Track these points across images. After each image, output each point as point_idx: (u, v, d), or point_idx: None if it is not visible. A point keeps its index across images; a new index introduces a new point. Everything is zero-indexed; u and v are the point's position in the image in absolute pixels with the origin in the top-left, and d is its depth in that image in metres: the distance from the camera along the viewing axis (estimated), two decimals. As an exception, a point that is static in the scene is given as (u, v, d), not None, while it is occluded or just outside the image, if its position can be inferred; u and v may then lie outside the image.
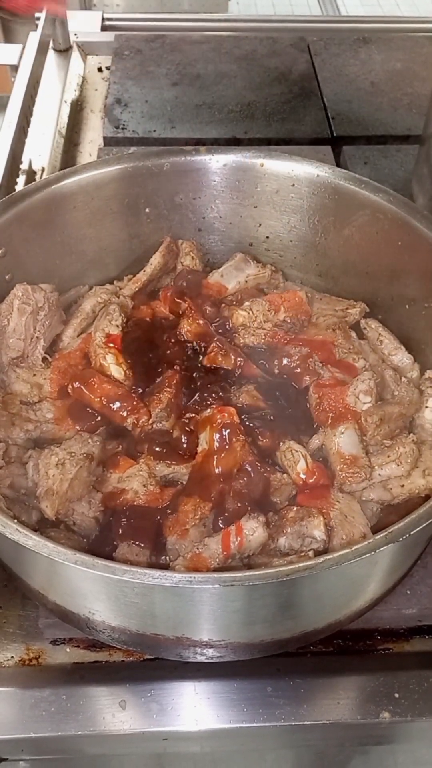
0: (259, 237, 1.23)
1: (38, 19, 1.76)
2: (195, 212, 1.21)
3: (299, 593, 0.80)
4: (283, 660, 0.92)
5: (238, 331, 1.13)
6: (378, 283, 1.15)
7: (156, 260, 1.18)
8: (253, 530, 0.87)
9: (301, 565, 0.74)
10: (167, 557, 0.91)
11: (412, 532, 0.76)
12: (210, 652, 0.86)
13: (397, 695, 0.90)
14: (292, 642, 0.89)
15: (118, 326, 1.09)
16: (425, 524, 0.77)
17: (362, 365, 1.08)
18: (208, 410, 1.01)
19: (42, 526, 0.93)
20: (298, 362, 1.08)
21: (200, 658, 0.88)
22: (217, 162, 1.16)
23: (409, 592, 0.97)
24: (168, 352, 1.10)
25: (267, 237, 1.22)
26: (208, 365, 1.08)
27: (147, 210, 1.19)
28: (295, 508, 0.92)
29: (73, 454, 0.96)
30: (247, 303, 1.14)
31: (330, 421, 1.01)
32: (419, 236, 1.05)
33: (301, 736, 0.91)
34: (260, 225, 1.21)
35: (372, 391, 1.02)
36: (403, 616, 0.97)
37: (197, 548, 0.88)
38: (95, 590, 0.80)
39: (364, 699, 0.90)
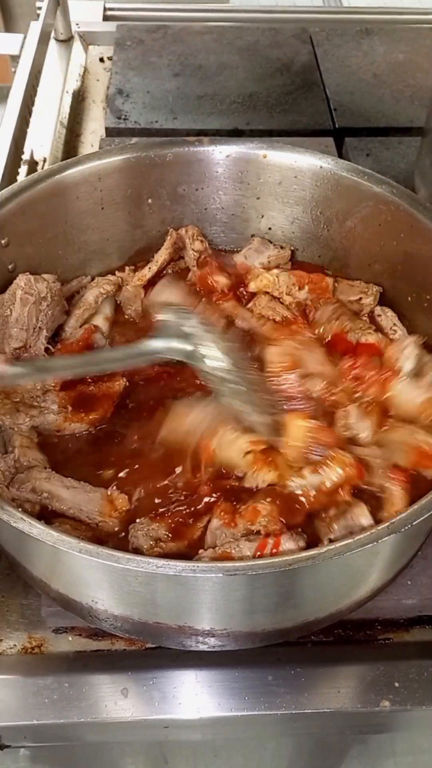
0: (261, 228, 1.23)
1: (39, 8, 1.75)
2: (197, 203, 1.21)
3: (301, 583, 0.81)
4: (284, 649, 0.93)
5: (259, 297, 1.14)
6: (381, 275, 1.15)
7: (161, 257, 1.18)
8: (291, 552, 0.86)
9: (304, 554, 0.74)
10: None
11: (414, 523, 0.77)
12: (212, 640, 0.86)
13: (397, 684, 0.91)
14: (293, 631, 0.90)
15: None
16: (427, 515, 0.78)
17: (376, 339, 1.08)
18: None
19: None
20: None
21: (202, 647, 0.88)
22: (220, 153, 1.16)
23: (409, 582, 0.97)
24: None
25: (269, 228, 1.22)
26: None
27: (150, 201, 1.19)
28: (333, 509, 0.91)
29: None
30: (275, 270, 1.14)
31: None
32: (422, 228, 1.05)
33: (302, 724, 0.92)
34: (263, 216, 1.21)
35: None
36: (403, 607, 0.97)
37: (230, 548, 0.86)
38: (99, 579, 0.81)
39: (365, 688, 0.91)
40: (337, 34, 1.85)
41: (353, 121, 1.62)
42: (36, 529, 0.75)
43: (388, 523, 0.76)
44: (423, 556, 0.99)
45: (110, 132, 1.58)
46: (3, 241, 1.05)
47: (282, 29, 1.86)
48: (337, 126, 1.61)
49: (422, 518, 0.77)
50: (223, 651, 0.89)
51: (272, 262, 1.20)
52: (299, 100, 1.66)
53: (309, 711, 0.89)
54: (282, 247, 1.21)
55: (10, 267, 1.07)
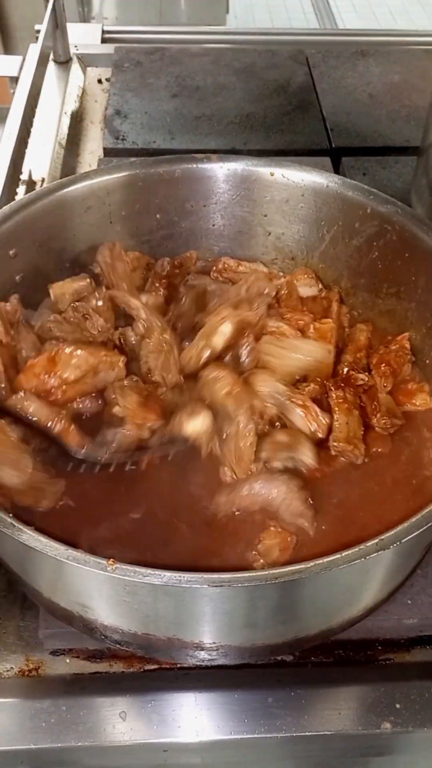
0: (268, 246, 1.23)
1: (38, 31, 1.77)
2: (205, 219, 1.21)
3: (288, 597, 0.79)
4: (284, 670, 0.92)
5: None
6: (385, 294, 1.14)
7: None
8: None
9: (289, 569, 0.72)
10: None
11: (403, 540, 0.74)
12: (202, 654, 0.85)
13: (398, 706, 0.90)
14: (284, 647, 0.89)
15: None
16: (417, 532, 0.75)
17: None
18: None
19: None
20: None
21: (192, 661, 0.87)
22: (228, 170, 1.17)
23: (410, 602, 0.97)
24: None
25: (276, 246, 1.22)
26: None
27: (157, 216, 1.19)
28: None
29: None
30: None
31: None
32: (426, 248, 1.05)
33: (302, 746, 0.91)
34: (270, 234, 1.22)
35: None
36: (404, 626, 0.96)
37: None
38: (88, 587, 0.79)
39: (366, 709, 0.90)
40: (333, 55, 1.87)
41: (350, 140, 1.64)
42: (25, 535, 0.73)
43: (377, 540, 0.74)
44: (423, 575, 0.99)
45: (108, 152, 1.59)
46: (11, 252, 1.05)
47: (278, 51, 1.88)
48: (333, 146, 1.62)
49: (412, 535, 0.75)
50: (221, 672, 0.88)
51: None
52: (296, 121, 1.68)
53: (309, 733, 0.88)
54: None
55: (17, 278, 1.08)
